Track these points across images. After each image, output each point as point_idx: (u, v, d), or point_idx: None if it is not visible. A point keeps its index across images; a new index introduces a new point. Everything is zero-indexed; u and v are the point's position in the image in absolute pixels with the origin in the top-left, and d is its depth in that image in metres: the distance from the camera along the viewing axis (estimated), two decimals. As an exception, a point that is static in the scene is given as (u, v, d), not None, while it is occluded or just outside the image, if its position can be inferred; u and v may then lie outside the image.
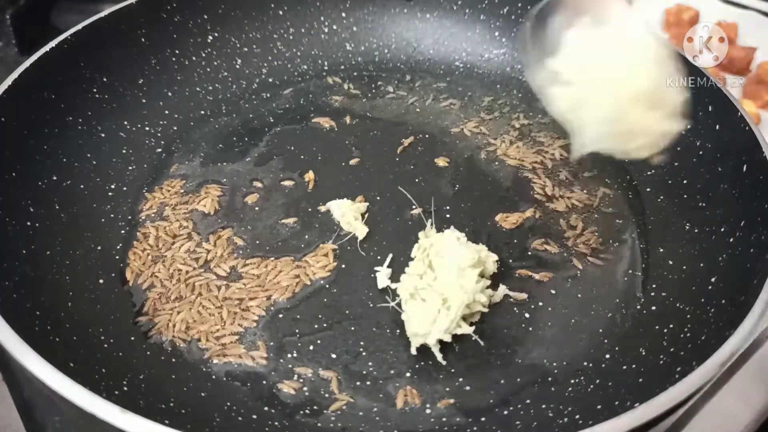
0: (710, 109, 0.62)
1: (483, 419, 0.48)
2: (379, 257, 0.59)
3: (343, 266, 0.58)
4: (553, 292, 0.57)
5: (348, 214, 0.61)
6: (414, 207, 0.63)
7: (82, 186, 0.61)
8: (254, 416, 0.48)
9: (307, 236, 0.61)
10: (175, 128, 0.70)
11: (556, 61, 0.47)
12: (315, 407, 0.49)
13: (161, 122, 0.70)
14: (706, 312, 0.50)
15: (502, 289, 0.56)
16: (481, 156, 0.69)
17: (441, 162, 0.68)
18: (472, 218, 0.63)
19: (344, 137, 0.71)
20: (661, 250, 0.59)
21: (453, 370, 0.51)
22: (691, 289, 0.54)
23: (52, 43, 0.62)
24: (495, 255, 0.57)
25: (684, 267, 0.57)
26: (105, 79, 0.66)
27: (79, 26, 0.65)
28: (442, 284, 0.52)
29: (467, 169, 0.68)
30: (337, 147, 0.70)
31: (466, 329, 0.52)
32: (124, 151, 0.66)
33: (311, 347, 0.52)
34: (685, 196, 0.62)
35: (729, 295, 0.50)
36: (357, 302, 0.56)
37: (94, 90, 0.66)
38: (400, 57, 0.81)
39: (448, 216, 0.63)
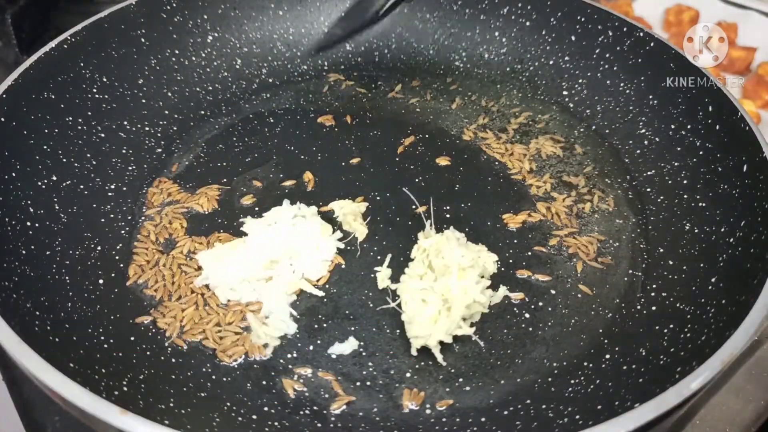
0: (710, 109, 0.62)
1: (483, 419, 0.48)
2: (379, 257, 0.59)
3: (343, 266, 0.58)
4: (553, 292, 0.57)
5: (348, 214, 0.61)
6: (414, 207, 0.63)
7: (82, 186, 0.61)
8: (254, 416, 0.48)
9: (307, 236, 0.61)
10: (175, 128, 0.70)
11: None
12: (315, 407, 0.49)
13: (161, 122, 0.70)
14: (706, 312, 0.50)
15: (503, 290, 0.56)
16: (481, 156, 0.69)
17: (441, 162, 0.68)
18: (472, 218, 0.63)
19: (344, 137, 0.71)
20: (661, 250, 0.59)
21: (453, 371, 0.51)
22: (691, 289, 0.54)
23: (52, 43, 0.62)
24: (495, 255, 0.57)
25: (684, 267, 0.57)
26: (105, 79, 0.66)
27: (79, 26, 0.65)
28: (442, 285, 0.52)
29: (467, 169, 0.68)
30: (337, 147, 0.70)
31: (467, 330, 0.52)
32: (124, 151, 0.65)
33: (311, 347, 0.52)
34: (685, 196, 0.62)
35: (729, 295, 0.50)
36: (357, 302, 0.56)
37: (94, 90, 0.66)
38: (400, 57, 0.81)
39: (448, 216, 0.63)
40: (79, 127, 0.63)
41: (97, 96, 0.66)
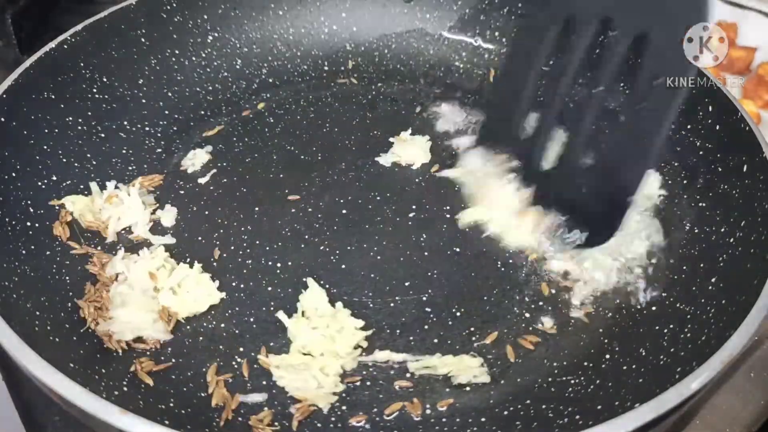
0: (710, 109, 0.62)
1: (483, 419, 0.48)
2: (379, 257, 0.59)
3: (343, 266, 0.58)
4: (553, 291, 0.57)
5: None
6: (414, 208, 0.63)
7: (82, 186, 0.61)
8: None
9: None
10: (175, 128, 0.70)
11: None
12: (315, 408, 0.49)
13: (161, 122, 0.70)
14: (706, 312, 0.50)
15: None
16: (481, 156, 0.69)
17: (441, 162, 0.68)
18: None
19: (344, 137, 0.71)
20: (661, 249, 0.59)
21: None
22: (691, 289, 0.54)
23: (52, 43, 0.62)
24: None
25: (684, 267, 0.57)
26: (105, 79, 0.66)
27: (79, 26, 0.65)
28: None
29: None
30: (338, 147, 0.70)
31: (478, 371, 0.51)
32: (124, 151, 0.65)
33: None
34: (685, 196, 0.62)
35: (729, 295, 0.50)
36: (357, 302, 0.56)
37: (94, 90, 0.66)
38: (399, 57, 0.81)
39: (448, 216, 0.63)
40: (79, 127, 0.63)
41: (97, 96, 0.66)
